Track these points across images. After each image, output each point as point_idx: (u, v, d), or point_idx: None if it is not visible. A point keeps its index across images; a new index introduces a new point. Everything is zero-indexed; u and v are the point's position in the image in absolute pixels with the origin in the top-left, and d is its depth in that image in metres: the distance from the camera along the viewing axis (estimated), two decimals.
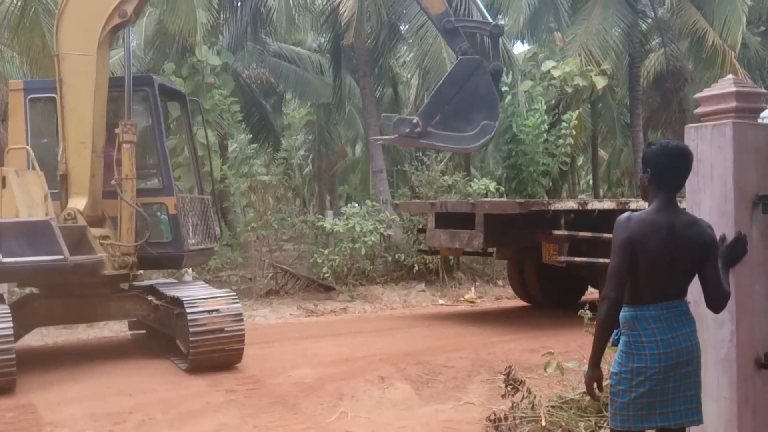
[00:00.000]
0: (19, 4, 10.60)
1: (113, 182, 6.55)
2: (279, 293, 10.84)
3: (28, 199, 6.27)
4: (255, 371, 6.21)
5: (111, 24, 6.13)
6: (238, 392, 5.57)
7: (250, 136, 13.53)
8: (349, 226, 10.90)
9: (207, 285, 7.24)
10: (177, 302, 6.28)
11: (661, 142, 2.82)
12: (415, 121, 5.43)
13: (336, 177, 23.86)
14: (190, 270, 10.42)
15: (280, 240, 13.71)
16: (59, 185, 6.62)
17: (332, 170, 22.35)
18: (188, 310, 6.03)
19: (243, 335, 6.20)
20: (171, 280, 8.48)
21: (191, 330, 5.97)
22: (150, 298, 6.71)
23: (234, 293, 6.50)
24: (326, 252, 10.98)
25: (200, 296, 6.28)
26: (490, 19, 5.79)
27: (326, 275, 10.81)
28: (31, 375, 6.12)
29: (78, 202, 6.58)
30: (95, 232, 6.58)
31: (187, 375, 6.08)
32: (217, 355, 6.10)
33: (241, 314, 6.25)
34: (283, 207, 13.02)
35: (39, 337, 8.18)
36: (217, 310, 6.09)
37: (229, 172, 11.71)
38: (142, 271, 7.24)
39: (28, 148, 6.71)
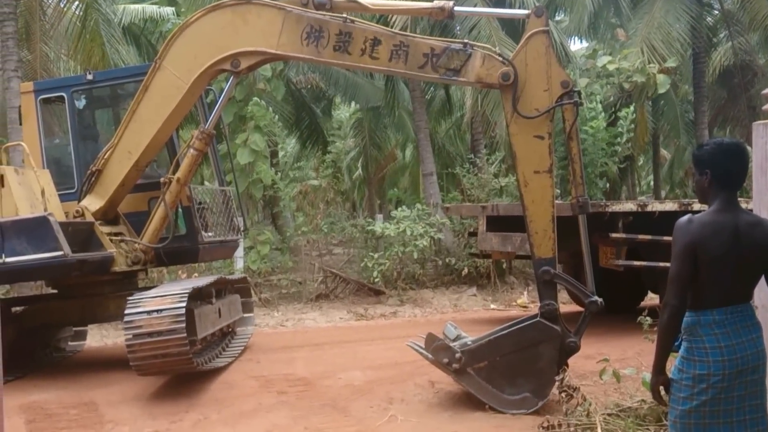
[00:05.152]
0: (80, 14, 11.01)
1: (162, 179, 6.28)
2: (329, 297, 10.92)
3: (30, 197, 6.06)
4: (305, 373, 6.26)
5: (219, 66, 5.70)
6: (290, 394, 5.64)
7: (297, 141, 13.60)
8: (400, 230, 10.89)
9: (195, 281, 6.71)
10: None
11: (715, 141, 2.76)
12: (458, 355, 4.95)
13: (386, 180, 23.89)
14: (240, 268, 10.49)
15: (330, 244, 13.81)
16: (86, 180, 6.43)
17: (382, 174, 22.39)
18: (126, 311, 5.40)
19: (184, 338, 5.26)
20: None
21: (125, 334, 5.36)
22: None
23: (187, 289, 5.61)
24: (376, 256, 10.99)
25: (152, 294, 5.58)
26: (592, 295, 4.94)
27: (376, 279, 10.82)
28: (92, 373, 6.38)
29: (92, 202, 6.36)
30: (107, 229, 6.39)
31: (240, 376, 6.19)
32: (160, 361, 5.32)
33: (182, 314, 5.29)
34: (332, 211, 13.10)
35: (99, 338, 8.50)
36: (157, 311, 5.30)
37: (276, 178, 11.87)
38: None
39: (23, 144, 6.59)
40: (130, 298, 5.54)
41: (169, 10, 13.89)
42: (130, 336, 5.24)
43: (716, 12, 16.60)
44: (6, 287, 8.69)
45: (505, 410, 4.94)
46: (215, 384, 5.93)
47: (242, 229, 8.12)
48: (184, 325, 5.25)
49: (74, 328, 7.74)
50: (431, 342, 5.17)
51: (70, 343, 7.81)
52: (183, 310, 5.30)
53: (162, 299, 5.41)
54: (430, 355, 5.18)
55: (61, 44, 13.14)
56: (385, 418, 4.96)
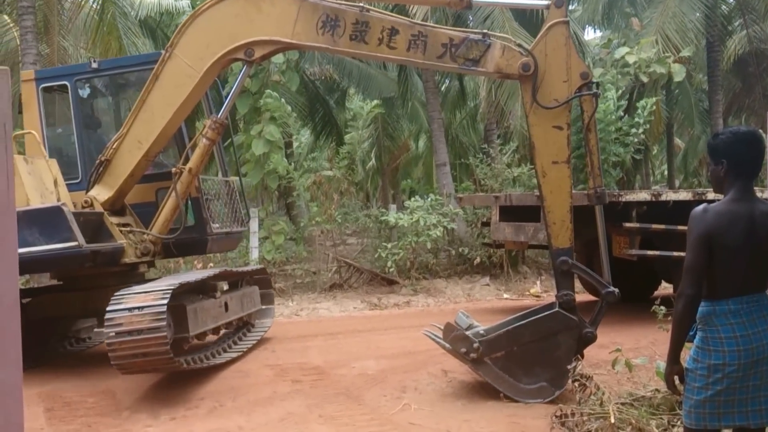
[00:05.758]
0: (97, 8, 11.17)
1: (174, 169, 6.22)
2: (343, 287, 10.98)
3: (40, 186, 5.96)
4: (320, 362, 6.31)
5: (233, 55, 5.62)
6: (304, 382, 5.69)
7: (311, 132, 13.65)
8: (413, 219, 10.91)
9: (193, 274, 6.57)
10: None
11: (731, 130, 2.74)
12: (476, 345, 4.97)
13: (399, 171, 23.91)
14: (255, 258, 10.53)
15: (344, 234, 13.86)
16: (94, 170, 6.33)
17: (395, 164, 22.41)
18: (108, 308, 5.07)
19: (164, 337, 4.92)
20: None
21: (106, 331, 5.05)
22: None
23: (173, 285, 5.29)
24: (390, 246, 11.03)
25: (137, 290, 5.28)
26: (608, 285, 5.04)
27: (390, 269, 10.86)
28: (109, 363, 6.43)
29: (101, 192, 6.29)
30: (115, 220, 6.33)
31: (255, 364, 6.25)
32: (141, 360, 5.00)
33: (163, 312, 4.94)
34: (346, 201, 13.14)
35: None
36: (139, 308, 4.97)
37: (290, 168, 11.91)
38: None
39: (33, 132, 6.51)
40: (116, 293, 5.25)
41: (184, 3, 13.97)
42: (112, 334, 4.95)
43: (731, 0, 16.41)
44: (24, 277, 8.80)
45: (522, 399, 4.96)
46: (230, 372, 6.00)
47: (246, 220, 8.12)
48: (164, 323, 4.95)
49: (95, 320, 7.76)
50: (449, 332, 5.18)
51: (95, 330, 7.68)
52: (164, 308, 4.98)
53: (145, 296, 5.11)
54: (447, 345, 5.19)
55: (78, 38, 13.31)
56: (399, 407, 5.00)
